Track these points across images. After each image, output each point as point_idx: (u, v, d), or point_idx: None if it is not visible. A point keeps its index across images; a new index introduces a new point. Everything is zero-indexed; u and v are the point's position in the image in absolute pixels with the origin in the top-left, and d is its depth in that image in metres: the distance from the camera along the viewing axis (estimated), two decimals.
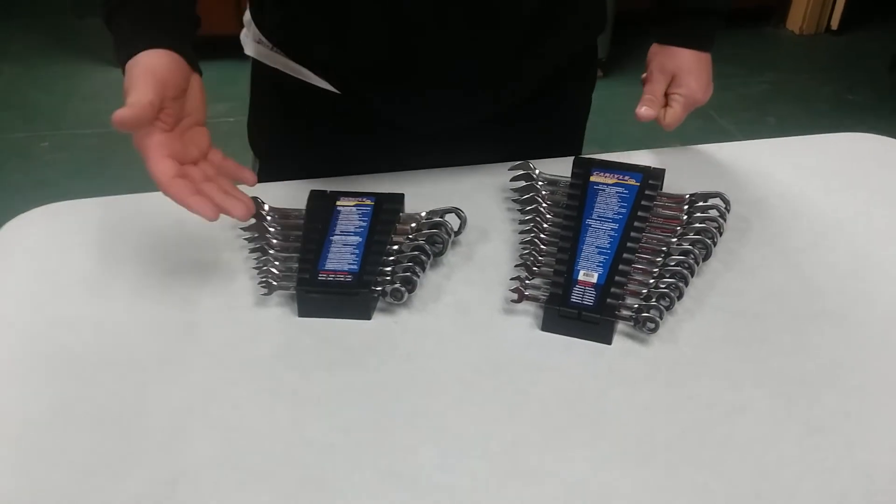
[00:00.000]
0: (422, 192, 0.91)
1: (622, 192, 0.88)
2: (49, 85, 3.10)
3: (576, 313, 0.75)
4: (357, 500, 0.61)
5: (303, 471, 0.63)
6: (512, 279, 0.80)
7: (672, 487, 0.63)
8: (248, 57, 1.01)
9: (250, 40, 0.99)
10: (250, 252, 0.84)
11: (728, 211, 0.87)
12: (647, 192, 0.88)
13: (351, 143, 1.01)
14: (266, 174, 1.04)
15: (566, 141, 1.06)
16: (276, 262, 0.80)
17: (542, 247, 0.83)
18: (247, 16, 0.99)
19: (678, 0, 0.99)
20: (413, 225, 0.84)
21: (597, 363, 0.74)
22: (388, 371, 0.72)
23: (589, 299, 0.76)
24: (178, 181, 0.72)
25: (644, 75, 1.03)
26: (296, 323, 0.77)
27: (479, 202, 0.93)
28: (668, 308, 0.76)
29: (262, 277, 0.79)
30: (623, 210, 0.86)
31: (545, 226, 0.85)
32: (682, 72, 0.98)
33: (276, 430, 0.67)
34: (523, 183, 0.92)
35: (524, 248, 0.84)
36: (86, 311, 0.78)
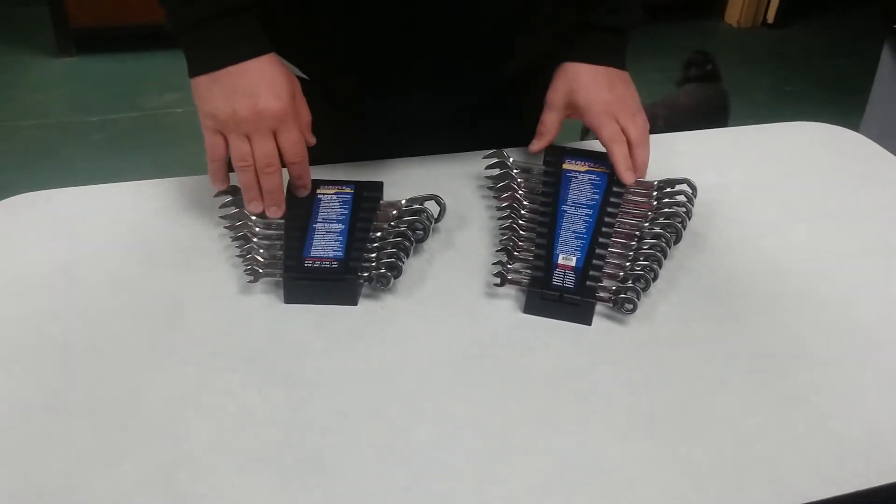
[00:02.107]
0: (397, 181, 0.93)
1: (594, 180, 0.91)
2: None
3: (557, 296, 0.78)
4: (358, 478, 0.63)
5: (302, 452, 0.65)
6: (494, 264, 0.82)
7: (658, 458, 0.66)
8: None
9: None
10: (233, 240, 0.84)
11: (695, 196, 0.91)
12: (617, 178, 0.91)
13: (323, 134, 1.01)
14: None
15: (532, 131, 1.09)
16: (261, 250, 0.81)
17: (520, 232, 0.85)
18: None
19: (582, 13, 0.95)
20: (394, 212, 0.85)
21: (579, 343, 0.76)
22: (377, 354, 0.74)
23: (569, 282, 0.79)
24: None
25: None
26: (282, 309, 0.78)
27: (454, 190, 0.95)
28: (644, 289, 0.79)
29: (248, 265, 0.80)
30: (596, 196, 0.89)
31: (523, 212, 0.88)
32: (578, 93, 0.93)
33: (272, 414, 0.68)
34: (498, 171, 0.94)
35: (503, 234, 0.86)
36: (69, 301, 0.78)
